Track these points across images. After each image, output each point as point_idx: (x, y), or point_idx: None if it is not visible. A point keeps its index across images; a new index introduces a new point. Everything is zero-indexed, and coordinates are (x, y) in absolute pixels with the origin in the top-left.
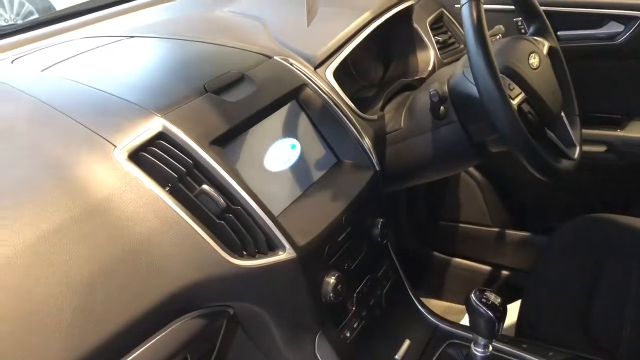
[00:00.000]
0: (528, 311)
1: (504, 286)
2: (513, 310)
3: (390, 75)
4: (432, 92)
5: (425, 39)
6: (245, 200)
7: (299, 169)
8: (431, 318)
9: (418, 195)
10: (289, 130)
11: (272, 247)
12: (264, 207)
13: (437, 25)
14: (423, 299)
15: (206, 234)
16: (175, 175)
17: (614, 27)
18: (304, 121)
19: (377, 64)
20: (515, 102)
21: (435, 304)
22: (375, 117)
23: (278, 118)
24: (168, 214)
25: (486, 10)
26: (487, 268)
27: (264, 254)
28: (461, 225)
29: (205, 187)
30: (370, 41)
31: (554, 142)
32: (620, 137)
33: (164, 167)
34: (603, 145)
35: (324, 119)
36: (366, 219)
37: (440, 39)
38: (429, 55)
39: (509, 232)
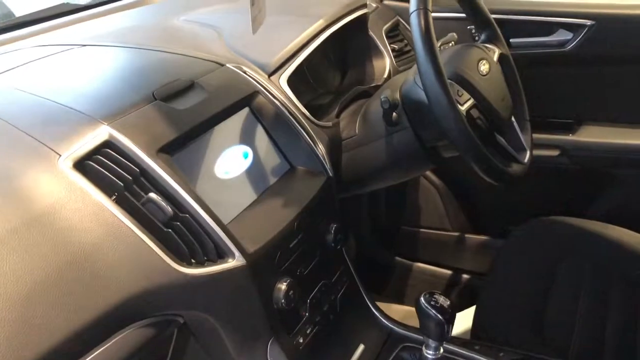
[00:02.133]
0: (483, 313)
1: (464, 289)
2: (472, 313)
3: (347, 83)
4: (382, 99)
5: (381, 46)
6: (193, 208)
7: (251, 176)
8: (386, 322)
9: (379, 201)
10: (241, 137)
11: (221, 254)
12: (213, 214)
13: (393, 33)
14: (384, 304)
15: (153, 243)
16: (122, 184)
17: (563, 35)
18: (256, 128)
19: (334, 71)
20: (464, 107)
21: (397, 309)
22: (330, 124)
23: (230, 125)
24: (114, 223)
25: (440, 18)
26: (448, 272)
27: (213, 261)
28: (422, 230)
29: (152, 195)
30: (326, 49)
31: (504, 146)
32: (571, 141)
33: (110, 175)
34: (556, 150)
35: (277, 126)
36: (319, 224)
37: (396, 46)
38: (385, 63)
39: (468, 236)
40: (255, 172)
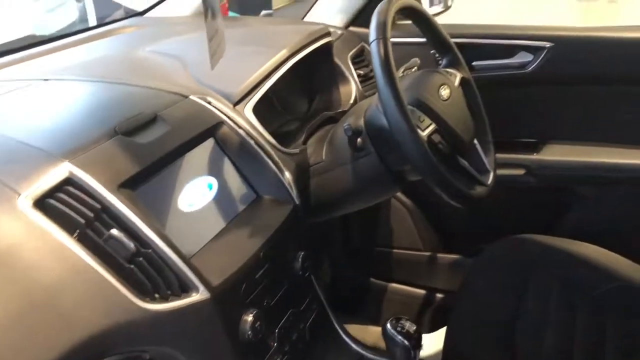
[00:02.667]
0: (453, 333)
1: (438, 309)
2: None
3: (315, 109)
4: (345, 127)
5: (347, 72)
6: (156, 243)
7: (216, 207)
8: (356, 348)
9: (352, 223)
10: (206, 169)
11: (185, 288)
12: (176, 248)
13: (359, 60)
14: (360, 326)
15: (115, 280)
16: (83, 221)
17: (524, 57)
18: (221, 159)
19: (302, 97)
20: (425, 133)
21: (373, 330)
22: (297, 150)
23: (194, 157)
24: (75, 261)
25: (404, 44)
26: (422, 292)
27: (176, 296)
28: (395, 250)
29: (114, 231)
30: (292, 76)
31: (467, 169)
32: (536, 160)
33: (71, 213)
34: (521, 169)
35: (242, 156)
36: (286, 253)
37: (361, 72)
38: (351, 88)
39: (440, 255)
40: (220, 203)
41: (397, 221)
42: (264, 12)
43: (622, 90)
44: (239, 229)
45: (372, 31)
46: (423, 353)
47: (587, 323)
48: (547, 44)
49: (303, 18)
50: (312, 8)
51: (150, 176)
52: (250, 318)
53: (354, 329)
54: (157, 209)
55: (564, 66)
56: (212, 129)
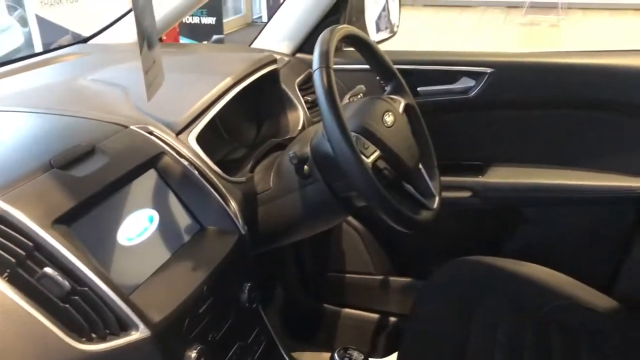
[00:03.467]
0: (406, 356)
1: (392, 333)
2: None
3: (263, 136)
4: (290, 155)
5: (294, 99)
6: (92, 280)
7: (158, 240)
8: None
9: (304, 248)
10: (147, 201)
11: (124, 327)
12: (114, 285)
13: (306, 86)
14: (313, 353)
15: (48, 321)
16: (14, 260)
17: (466, 82)
18: (163, 190)
19: (250, 125)
20: (370, 159)
21: (326, 357)
22: (243, 179)
23: (134, 189)
24: (5, 303)
25: (351, 70)
26: (375, 316)
27: (115, 335)
28: (347, 275)
29: (47, 270)
30: (239, 104)
31: (412, 194)
32: (481, 183)
33: (1, 252)
34: (468, 191)
35: (184, 187)
36: (232, 285)
37: (309, 98)
38: (299, 115)
39: (392, 278)
40: (162, 236)
41: (349, 246)
42: (215, 36)
43: (561, 113)
44: (182, 262)
45: (315, 60)
46: None
47: (535, 341)
48: (488, 70)
49: (250, 45)
50: (260, 35)
51: (87, 210)
52: (193, 354)
53: (307, 356)
54: (95, 244)
55: (504, 91)
56: (153, 160)
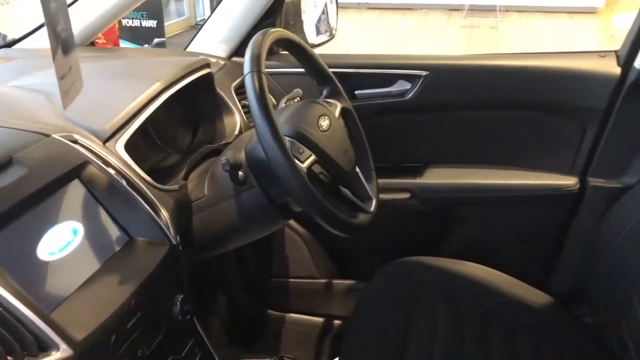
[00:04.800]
0: (347, 357)
1: (337, 336)
2: None
3: (198, 142)
4: (223, 162)
5: (231, 103)
6: (7, 300)
7: (83, 254)
8: None
9: (247, 255)
10: (70, 213)
11: (44, 347)
12: (31, 304)
13: (243, 90)
14: None
15: None
16: None
17: (403, 85)
18: (88, 201)
19: (185, 131)
20: (305, 164)
21: None
22: (176, 187)
23: (56, 202)
24: None
25: (289, 74)
26: (320, 320)
27: (34, 356)
28: (291, 280)
29: None
30: (173, 109)
31: (349, 198)
32: (419, 184)
33: None
34: (407, 193)
35: (111, 197)
36: (163, 298)
37: (246, 102)
38: (235, 120)
39: (336, 282)
40: (87, 249)
41: (291, 250)
42: (156, 40)
43: (493, 114)
44: (108, 276)
45: (246, 64)
46: None
47: (474, 339)
48: (423, 73)
49: (186, 48)
50: (195, 38)
51: (3, 225)
52: None
53: None
54: (12, 261)
55: (439, 93)
56: (77, 170)
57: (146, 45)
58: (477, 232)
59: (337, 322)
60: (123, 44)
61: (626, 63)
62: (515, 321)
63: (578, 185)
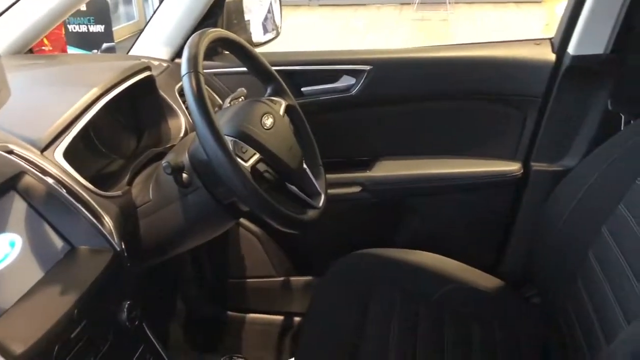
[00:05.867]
0: (304, 353)
1: (297, 333)
2: None
3: (143, 146)
4: (164, 164)
5: (175, 106)
6: None
7: (22, 266)
8: None
9: (202, 257)
10: (7, 225)
11: None
12: None
13: None
14: None
15: None
16: None
17: (347, 80)
18: (25, 212)
19: (129, 136)
20: (249, 163)
21: None
22: (119, 192)
23: None
24: None
25: (233, 74)
26: (280, 318)
27: None
28: (248, 280)
29: None
30: (115, 114)
31: (297, 194)
32: (369, 177)
33: None
34: (357, 187)
35: (50, 206)
36: (108, 305)
37: None
38: (180, 122)
39: (293, 279)
40: (26, 260)
41: (247, 250)
42: (105, 45)
43: (437, 105)
44: (49, 287)
45: (183, 65)
46: None
47: (428, 327)
48: (367, 67)
49: (128, 52)
50: (137, 42)
51: None
52: None
53: None
54: None
55: (384, 87)
56: (12, 180)
57: (95, 51)
58: (428, 222)
59: (297, 319)
60: (71, 50)
61: (560, 49)
62: (467, 306)
63: (522, 171)
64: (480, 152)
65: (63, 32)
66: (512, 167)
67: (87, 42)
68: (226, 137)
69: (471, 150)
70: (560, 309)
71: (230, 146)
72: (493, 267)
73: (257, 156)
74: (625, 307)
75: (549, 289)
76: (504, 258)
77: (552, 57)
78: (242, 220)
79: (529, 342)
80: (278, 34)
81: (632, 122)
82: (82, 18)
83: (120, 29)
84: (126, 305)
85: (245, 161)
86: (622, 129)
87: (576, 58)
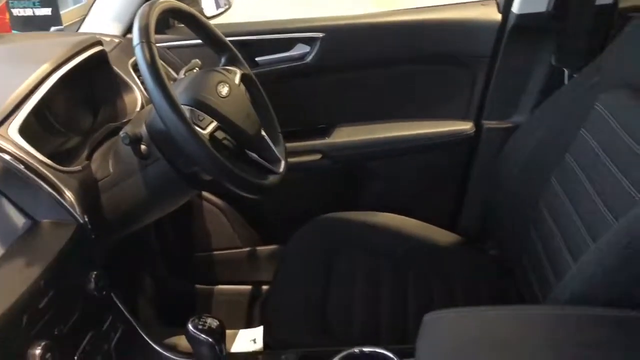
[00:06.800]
0: (271, 321)
1: (266, 301)
2: None
3: (100, 122)
4: (122, 136)
5: (129, 81)
6: None
7: None
8: (172, 356)
9: (167, 232)
10: None
11: None
12: None
13: None
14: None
15: None
16: None
17: (302, 49)
18: None
19: (85, 112)
20: (207, 131)
21: None
22: (79, 167)
23: None
24: None
25: (187, 46)
26: (248, 288)
27: None
28: (215, 252)
29: None
30: (69, 90)
31: (256, 161)
32: (328, 144)
33: None
34: (318, 154)
35: (9, 183)
36: (75, 276)
37: None
38: (136, 97)
39: (260, 248)
40: None
41: (212, 223)
42: (53, 28)
43: (391, 69)
44: (14, 261)
45: (134, 36)
46: (255, 347)
47: (391, 283)
48: (320, 34)
49: (78, 30)
50: (86, 19)
51: None
52: (38, 351)
53: (183, 339)
54: None
55: (337, 53)
56: None
57: None
58: (388, 184)
59: (265, 287)
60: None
61: (505, 9)
62: (428, 262)
63: (474, 129)
64: (435, 114)
65: (7, 16)
66: (465, 126)
67: (34, 26)
68: (183, 106)
69: (426, 112)
70: (515, 258)
71: (187, 114)
72: (452, 224)
73: (214, 124)
74: (573, 249)
75: (504, 241)
76: (462, 214)
77: (498, 16)
78: (205, 193)
79: (488, 291)
80: (230, 5)
81: (574, 76)
82: (26, 1)
83: (69, 12)
84: (93, 276)
85: (203, 129)
86: (565, 83)
87: (520, 17)
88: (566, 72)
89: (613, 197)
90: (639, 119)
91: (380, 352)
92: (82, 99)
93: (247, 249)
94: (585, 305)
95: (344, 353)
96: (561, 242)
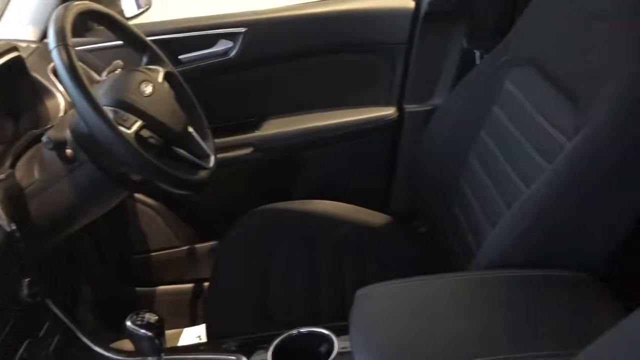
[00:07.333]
0: (212, 314)
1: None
2: None
3: (23, 129)
4: (44, 140)
5: (50, 86)
6: None
7: None
8: (113, 356)
9: (103, 238)
10: None
11: None
12: None
13: None
14: None
15: None
16: None
17: (225, 44)
18: None
19: (5, 121)
20: (132, 130)
21: None
22: (3, 176)
23: None
24: None
25: (106, 48)
26: (190, 286)
27: None
28: (153, 254)
29: None
30: None
31: (185, 157)
32: (259, 137)
33: None
34: (249, 147)
35: None
36: (6, 284)
37: None
38: (58, 102)
39: (198, 246)
40: None
41: (147, 224)
42: None
43: (314, 60)
44: None
45: (50, 39)
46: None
47: (329, 267)
48: (242, 29)
49: None
50: None
51: None
52: None
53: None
54: None
55: (261, 47)
56: None
57: None
58: (320, 172)
59: (206, 284)
60: None
61: None
62: (362, 243)
63: (397, 114)
64: (359, 101)
65: None
66: (388, 111)
67: None
68: (105, 107)
69: (350, 100)
70: (442, 233)
71: (111, 115)
72: (383, 206)
73: (139, 123)
74: (491, 218)
75: (431, 218)
76: (391, 196)
77: (412, 4)
78: (138, 195)
79: (419, 267)
80: (150, 5)
81: (484, 56)
82: None
83: None
84: (26, 283)
85: (128, 128)
86: (477, 63)
87: (432, 3)
88: (477, 53)
89: (524, 166)
90: (544, 92)
91: (317, 331)
92: (2, 107)
93: (186, 247)
94: (502, 269)
95: (283, 336)
96: (481, 214)
